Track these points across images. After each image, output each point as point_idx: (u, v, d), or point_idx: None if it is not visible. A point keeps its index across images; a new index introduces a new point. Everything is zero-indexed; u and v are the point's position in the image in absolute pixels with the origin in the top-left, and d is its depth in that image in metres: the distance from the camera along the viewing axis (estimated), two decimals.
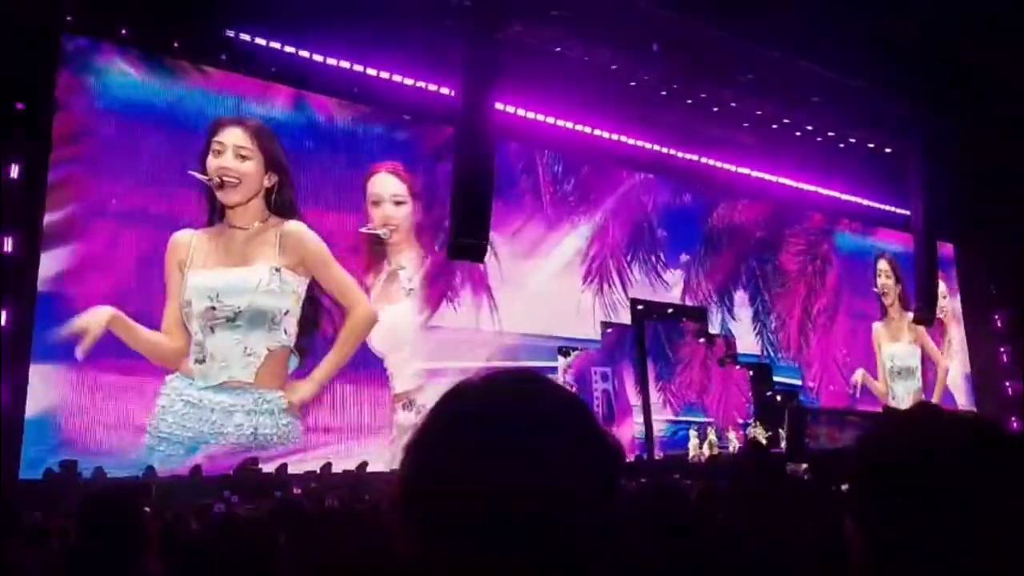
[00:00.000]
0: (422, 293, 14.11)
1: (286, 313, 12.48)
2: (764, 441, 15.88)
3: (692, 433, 16.59)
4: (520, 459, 0.88)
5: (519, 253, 15.21)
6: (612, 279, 16.53)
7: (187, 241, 11.99)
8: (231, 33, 12.65)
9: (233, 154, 12.42)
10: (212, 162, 12.28)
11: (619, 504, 0.96)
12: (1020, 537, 0.98)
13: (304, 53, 13.15)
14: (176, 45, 12.43)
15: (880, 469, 1.08)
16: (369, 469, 11.84)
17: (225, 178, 12.26)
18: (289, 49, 13.03)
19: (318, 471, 11.85)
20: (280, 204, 12.67)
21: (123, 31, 11.98)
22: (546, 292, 15.43)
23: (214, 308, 11.90)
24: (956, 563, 0.99)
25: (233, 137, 12.50)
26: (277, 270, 12.46)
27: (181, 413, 11.57)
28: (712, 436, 16.44)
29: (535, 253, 15.52)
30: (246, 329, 12.08)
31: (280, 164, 12.77)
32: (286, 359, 12.50)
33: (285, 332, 12.44)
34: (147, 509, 3.44)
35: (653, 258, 17.18)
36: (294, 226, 12.77)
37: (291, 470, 11.67)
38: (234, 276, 12.18)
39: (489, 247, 12.52)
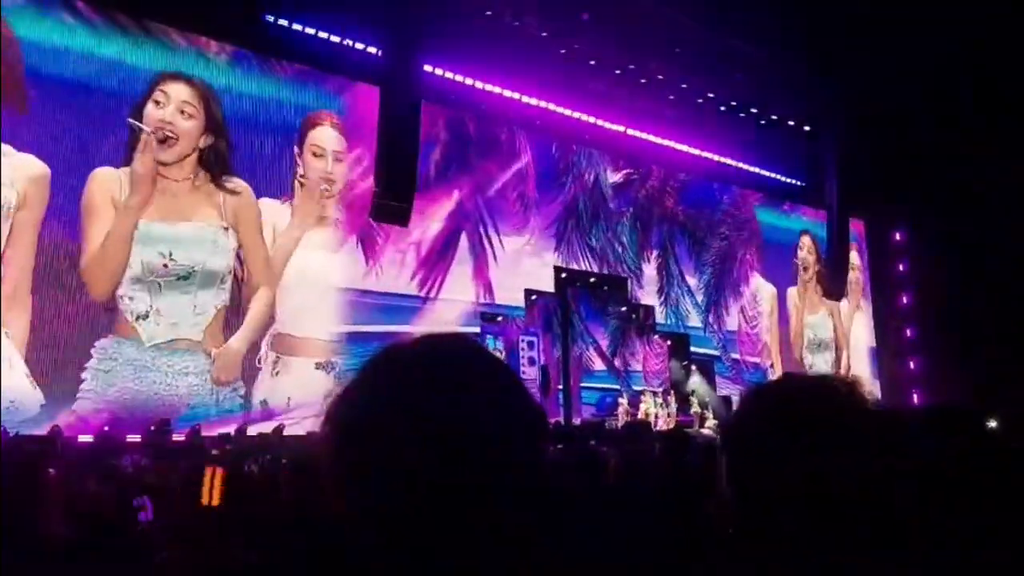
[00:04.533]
0: (350, 252, 13.82)
1: (228, 272, 12.25)
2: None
3: (621, 400, 16.81)
4: (454, 420, 0.91)
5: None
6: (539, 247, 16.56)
7: (116, 177, 11.34)
8: None
9: (176, 108, 11.98)
10: (152, 112, 11.79)
11: (544, 464, 1.01)
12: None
13: None
14: None
15: (736, 441, 1.28)
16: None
17: (165, 133, 11.77)
18: None
19: (232, 434, 11.62)
20: (212, 164, 12.27)
21: None
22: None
23: (166, 265, 11.53)
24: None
25: (178, 92, 12.05)
26: (225, 229, 12.20)
27: (128, 376, 11.16)
28: (649, 403, 16.67)
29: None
30: (197, 288, 11.81)
31: (219, 127, 12.40)
32: (225, 319, 12.23)
33: (228, 292, 12.22)
34: (51, 471, 3.30)
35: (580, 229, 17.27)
36: (239, 185, 12.47)
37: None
38: (186, 232, 11.80)
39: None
